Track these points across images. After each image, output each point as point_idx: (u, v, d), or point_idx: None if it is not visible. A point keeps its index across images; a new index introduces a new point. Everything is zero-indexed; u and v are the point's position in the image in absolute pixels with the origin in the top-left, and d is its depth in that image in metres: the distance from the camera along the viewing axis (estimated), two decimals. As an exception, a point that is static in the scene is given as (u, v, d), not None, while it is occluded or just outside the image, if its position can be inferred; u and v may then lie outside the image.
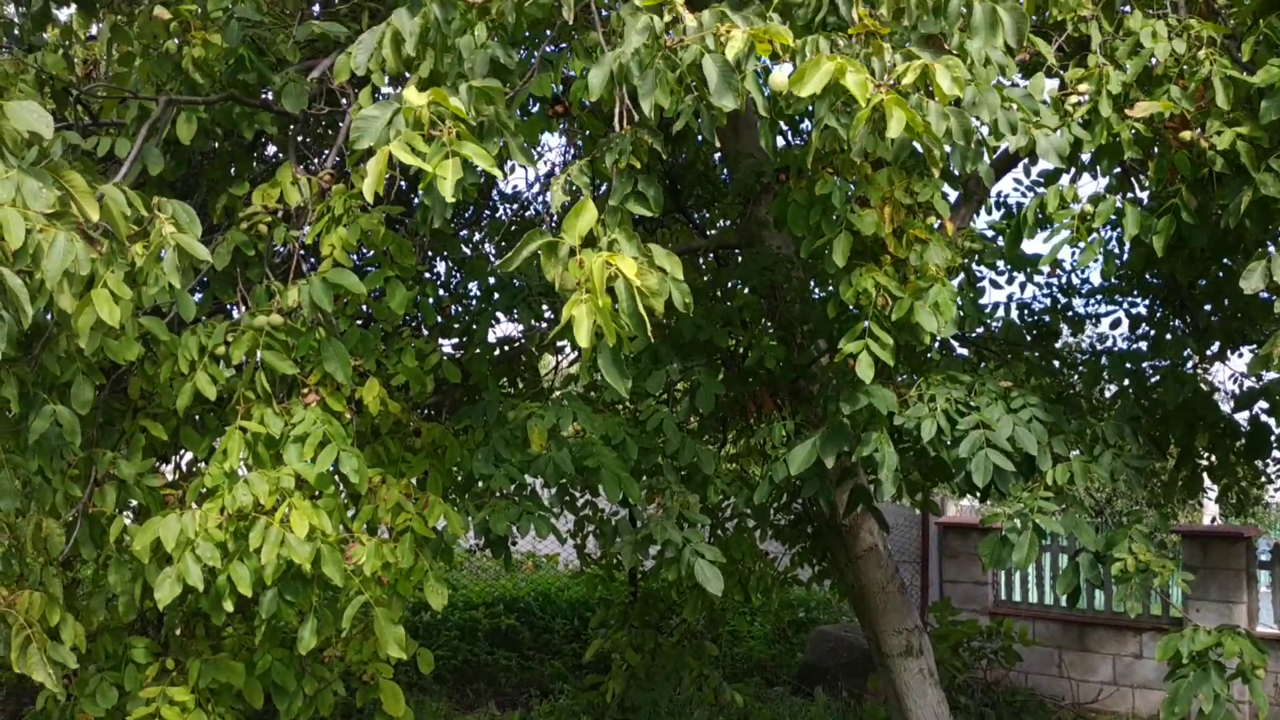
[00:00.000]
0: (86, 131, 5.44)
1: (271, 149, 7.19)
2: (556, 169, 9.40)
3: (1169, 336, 6.81)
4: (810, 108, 4.01)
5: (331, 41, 5.52)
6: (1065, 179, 5.45)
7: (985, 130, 4.30)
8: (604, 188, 4.18)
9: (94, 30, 6.44)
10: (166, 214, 3.88)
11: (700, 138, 7.75)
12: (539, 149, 9.94)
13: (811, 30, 4.01)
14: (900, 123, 3.56)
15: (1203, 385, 6.34)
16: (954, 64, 3.75)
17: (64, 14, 6.36)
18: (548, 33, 4.88)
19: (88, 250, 3.39)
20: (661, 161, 4.67)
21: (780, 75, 3.86)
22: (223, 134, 5.69)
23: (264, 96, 5.62)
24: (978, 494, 5.29)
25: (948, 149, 4.15)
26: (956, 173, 4.62)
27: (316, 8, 6.43)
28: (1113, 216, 5.23)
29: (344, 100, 5.37)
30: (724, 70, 3.69)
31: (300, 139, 6.58)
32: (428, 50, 4.03)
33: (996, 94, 4.02)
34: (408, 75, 4.47)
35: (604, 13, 4.24)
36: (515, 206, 9.31)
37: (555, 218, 8.83)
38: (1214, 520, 16.38)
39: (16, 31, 6.25)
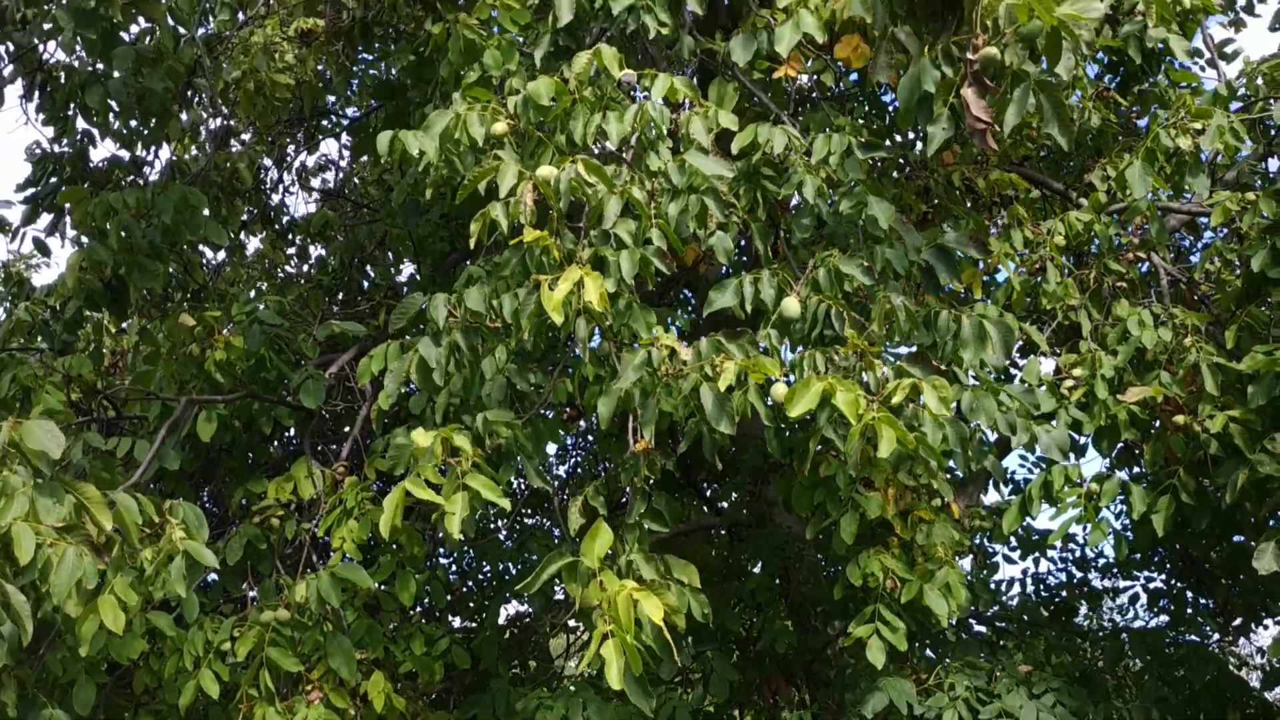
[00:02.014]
0: (109, 427, 5.60)
1: (289, 431, 7.37)
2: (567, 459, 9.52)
3: (1189, 611, 6.70)
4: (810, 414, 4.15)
5: (350, 337, 5.76)
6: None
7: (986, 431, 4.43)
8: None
9: (124, 325, 6.75)
10: (177, 519, 3.96)
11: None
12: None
13: (809, 344, 4.21)
14: (890, 442, 3.69)
15: (1230, 659, 6.19)
16: (940, 384, 3.91)
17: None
18: (561, 338, 5.10)
19: (95, 563, 3.46)
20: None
21: (781, 388, 4.03)
22: (240, 426, 5.86)
23: (282, 387, 5.82)
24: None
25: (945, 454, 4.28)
26: (961, 475, 4.72)
27: (336, 302, 6.75)
28: (1120, 494, 5.27)
29: (361, 395, 5.55)
30: (719, 399, 3.90)
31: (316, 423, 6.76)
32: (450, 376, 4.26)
33: (992, 400, 4.16)
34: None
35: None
36: (524, 482, 9.39)
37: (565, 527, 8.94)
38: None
39: (51, 326, 6.53)
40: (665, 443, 4.26)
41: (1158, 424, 5.15)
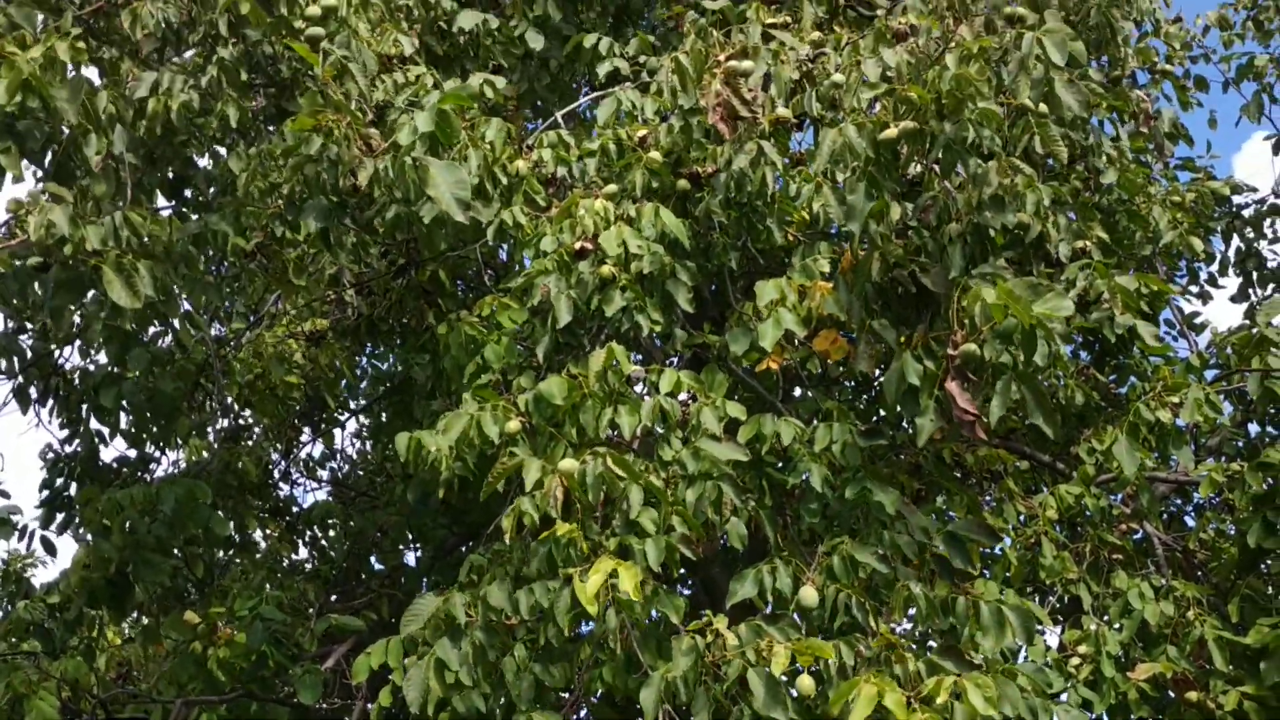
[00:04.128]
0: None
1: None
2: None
3: None
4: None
5: (350, 630, 5.72)
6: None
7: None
8: None
9: (124, 624, 6.70)
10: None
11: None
12: None
13: (830, 634, 4.21)
14: (953, 748, 3.62)
15: None
16: (985, 683, 3.87)
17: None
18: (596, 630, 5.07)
19: None
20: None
21: (807, 680, 4.01)
22: (236, 728, 5.73)
23: (280, 682, 5.71)
24: None
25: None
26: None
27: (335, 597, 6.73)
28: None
29: (356, 690, 5.47)
30: (770, 684, 3.89)
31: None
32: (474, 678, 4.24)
33: (1015, 687, 4.14)
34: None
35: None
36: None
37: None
38: None
39: (48, 626, 6.45)
40: None
41: (1170, 694, 5.06)
